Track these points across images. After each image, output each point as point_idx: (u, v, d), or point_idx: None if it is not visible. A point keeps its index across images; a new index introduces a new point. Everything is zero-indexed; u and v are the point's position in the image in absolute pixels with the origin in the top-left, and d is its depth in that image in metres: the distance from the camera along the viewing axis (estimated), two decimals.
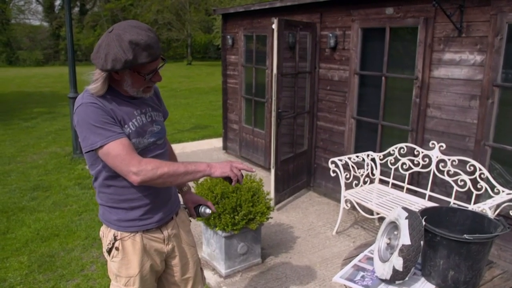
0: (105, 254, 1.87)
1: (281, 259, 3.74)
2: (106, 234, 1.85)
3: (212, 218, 3.25)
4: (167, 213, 1.92)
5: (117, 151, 1.62)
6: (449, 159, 3.74)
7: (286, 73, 4.90)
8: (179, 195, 2.12)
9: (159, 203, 1.86)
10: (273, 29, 4.56)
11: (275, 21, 4.49)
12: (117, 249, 1.82)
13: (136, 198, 1.79)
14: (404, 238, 1.71)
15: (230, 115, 7.28)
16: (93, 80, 1.67)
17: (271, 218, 3.77)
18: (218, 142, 7.98)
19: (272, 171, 4.82)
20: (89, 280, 3.36)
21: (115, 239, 1.82)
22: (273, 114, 4.70)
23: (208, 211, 2.11)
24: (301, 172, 5.41)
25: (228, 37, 6.89)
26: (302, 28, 5.03)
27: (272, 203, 4.47)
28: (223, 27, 7.11)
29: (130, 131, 1.72)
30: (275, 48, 4.54)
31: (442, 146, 3.82)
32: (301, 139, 5.46)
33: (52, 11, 39.29)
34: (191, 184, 2.33)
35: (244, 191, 3.37)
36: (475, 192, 3.54)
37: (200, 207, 2.11)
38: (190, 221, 2.15)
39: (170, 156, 2.12)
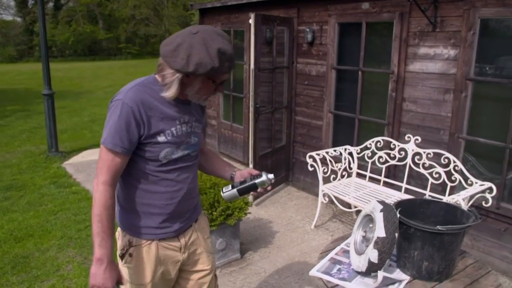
0: (118, 258, 1.79)
1: (260, 254, 3.75)
2: (121, 237, 1.79)
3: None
4: (187, 221, 1.85)
5: (104, 157, 1.60)
6: (424, 152, 3.80)
7: (263, 68, 4.89)
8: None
9: (181, 213, 1.80)
10: (250, 24, 4.54)
11: (252, 16, 4.47)
12: (130, 255, 1.75)
13: (158, 205, 1.73)
14: (379, 231, 1.73)
15: (208, 110, 7.23)
16: (166, 83, 1.61)
17: (250, 213, 3.76)
18: None
19: (251, 166, 4.82)
20: (65, 280, 3.29)
21: (130, 245, 1.75)
22: (251, 109, 4.69)
23: (270, 176, 1.83)
24: (280, 167, 5.42)
25: None
26: (280, 23, 5.02)
27: (250, 198, 4.46)
28: (200, 22, 7.06)
29: (166, 140, 1.66)
30: (252, 43, 4.52)
31: (417, 139, 3.88)
32: (279, 134, 5.47)
33: (25, 5, 38.37)
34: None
35: (222, 187, 3.35)
36: (449, 184, 3.61)
37: (262, 174, 1.82)
38: (210, 232, 2.07)
39: (212, 158, 2.04)
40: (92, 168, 6.10)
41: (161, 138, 1.65)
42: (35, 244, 3.86)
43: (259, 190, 1.84)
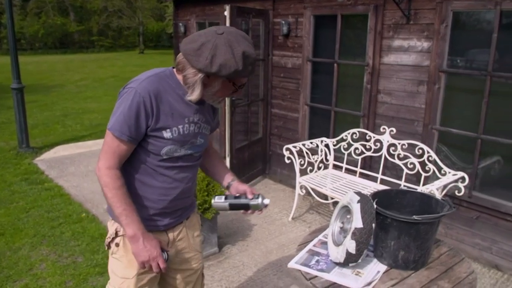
0: (106, 248, 1.78)
1: (238, 247, 3.74)
2: (110, 226, 1.77)
3: None
4: (177, 218, 1.82)
5: (109, 143, 1.59)
6: (399, 143, 3.85)
7: None
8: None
9: (171, 210, 1.77)
10: (225, 16, 4.49)
11: (227, 8, 4.43)
12: (117, 245, 1.73)
13: (151, 198, 1.70)
14: (357, 222, 1.74)
15: None
16: (188, 84, 1.60)
17: None
18: None
19: (227, 159, 4.80)
20: (39, 280, 3.21)
21: (117, 234, 1.73)
22: (227, 102, 4.65)
23: (266, 201, 1.80)
24: (257, 160, 5.41)
25: (180, 24, 6.74)
26: (255, 15, 4.99)
27: (227, 191, 4.45)
28: (175, 14, 6.96)
29: (171, 136, 1.63)
30: None
31: (392, 130, 3.93)
32: (255, 127, 5.46)
33: None
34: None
35: (199, 181, 3.33)
36: (423, 174, 3.68)
37: (259, 196, 1.80)
38: (201, 225, 2.01)
39: (214, 159, 2.00)
40: (65, 164, 5.97)
41: (166, 134, 1.62)
42: (6, 243, 3.75)
43: (249, 211, 1.82)
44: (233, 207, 1.82)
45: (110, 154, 1.59)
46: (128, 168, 1.67)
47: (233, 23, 4.48)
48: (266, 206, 1.82)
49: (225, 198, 1.83)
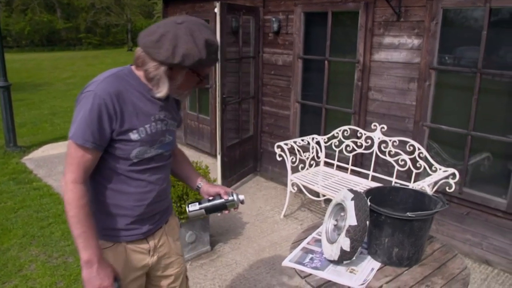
0: None
1: (230, 245, 3.73)
2: None
3: None
4: (156, 224, 1.74)
5: (73, 153, 1.47)
6: (390, 140, 3.87)
7: (230, 58, 4.84)
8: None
9: (149, 215, 1.69)
10: (215, 13, 4.47)
11: (218, 5, 4.40)
12: None
13: (126, 206, 1.61)
14: (351, 219, 1.74)
15: None
16: (152, 78, 1.51)
17: None
18: None
19: (219, 157, 4.78)
20: (28, 281, 3.17)
21: None
22: (218, 100, 4.63)
23: (241, 197, 1.78)
24: (248, 158, 5.40)
25: None
26: (245, 12, 4.97)
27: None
28: (164, 12, 6.90)
29: (139, 137, 1.54)
30: (218, 32, 4.45)
31: (383, 127, 3.94)
32: (246, 125, 5.44)
33: None
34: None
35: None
36: (414, 171, 3.70)
37: (233, 194, 1.78)
38: (180, 227, 1.96)
39: (182, 162, 1.94)
40: (53, 163, 5.89)
41: (133, 136, 1.54)
42: None
43: (226, 211, 1.79)
44: (209, 211, 1.78)
45: (75, 166, 1.47)
46: (97, 178, 1.58)
47: (223, 20, 4.45)
48: (242, 201, 1.79)
49: (199, 204, 1.78)
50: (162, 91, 1.53)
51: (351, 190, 1.85)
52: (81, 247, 1.48)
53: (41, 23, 35.55)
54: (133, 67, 1.58)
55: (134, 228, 1.66)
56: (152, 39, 1.47)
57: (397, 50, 3.82)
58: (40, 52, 32.06)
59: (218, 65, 4.53)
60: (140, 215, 1.65)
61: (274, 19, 4.90)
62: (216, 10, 4.42)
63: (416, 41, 3.68)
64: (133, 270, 1.71)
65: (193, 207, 1.77)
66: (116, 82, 1.51)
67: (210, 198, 1.80)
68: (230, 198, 1.77)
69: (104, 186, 1.59)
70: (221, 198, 1.77)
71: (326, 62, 4.45)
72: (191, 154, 6.40)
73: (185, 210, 1.88)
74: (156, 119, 1.61)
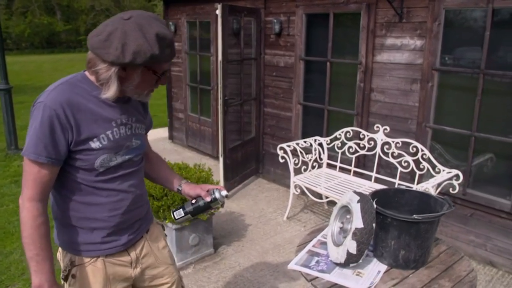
0: (62, 281, 1.59)
1: (233, 248, 3.72)
2: (62, 257, 1.60)
3: (161, 211, 3.15)
4: (136, 233, 1.66)
5: (28, 170, 1.40)
6: (393, 141, 3.86)
7: (231, 60, 4.83)
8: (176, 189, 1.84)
9: (128, 224, 1.61)
10: (217, 15, 4.46)
11: (219, 6, 4.40)
12: (73, 276, 1.55)
13: (100, 218, 1.53)
14: (357, 222, 1.73)
15: (175, 104, 7.11)
16: (102, 80, 1.41)
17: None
18: (164, 132, 7.79)
19: (221, 159, 4.77)
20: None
21: (72, 265, 1.55)
22: (220, 101, 4.62)
23: (223, 193, 1.74)
24: (250, 160, 5.39)
25: (170, 23, 6.69)
26: (247, 13, 4.97)
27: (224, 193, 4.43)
28: (165, 14, 6.89)
29: (101, 145, 1.46)
30: (219, 34, 4.45)
31: (386, 129, 3.93)
32: (248, 126, 5.43)
33: None
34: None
35: (193, 181, 3.30)
36: (418, 172, 3.68)
37: (214, 192, 1.75)
38: (166, 235, 1.89)
39: (159, 166, 1.88)
40: None
41: (94, 144, 1.45)
42: None
43: (213, 210, 1.77)
44: (195, 214, 1.77)
45: (30, 182, 1.39)
46: (65, 192, 1.51)
47: (224, 21, 4.45)
48: (226, 196, 1.76)
49: (183, 209, 1.76)
50: (109, 92, 1.43)
51: (356, 192, 1.84)
52: (33, 271, 1.42)
53: (41, 26, 35.60)
54: (86, 72, 1.49)
55: (112, 240, 1.58)
56: (100, 39, 1.37)
57: (400, 51, 3.81)
58: (40, 55, 32.08)
59: (219, 67, 4.53)
60: (116, 225, 1.57)
61: (275, 20, 4.89)
62: (218, 11, 4.41)
63: (418, 42, 3.67)
64: (116, 284, 1.63)
65: (179, 215, 1.76)
66: (68, 90, 1.42)
67: (193, 201, 1.77)
68: (213, 197, 1.74)
69: (74, 200, 1.51)
70: (203, 199, 1.75)
71: (328, 63, 4.45)
72: (193, 156, 6.39)
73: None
74: (118, 124, 1.52)
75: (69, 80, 1.46)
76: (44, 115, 1.37)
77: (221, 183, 4.75)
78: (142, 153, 1.66)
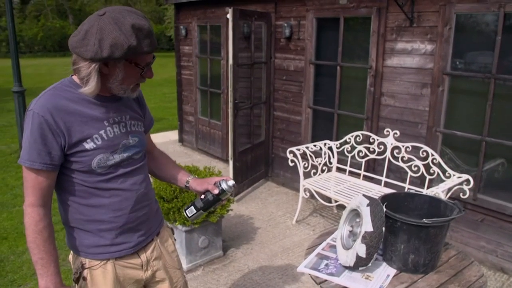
0: (73, 284, 1.62)
1: (242, 250, 3.73)
2: (73, 260, 1.62)
3: (171, 213, 3.17)
4: (147, 235, 1.67)
5: (26, 177, 1.44)
6: (403, 146, 3.85)
7: (242, 64, 4.86)
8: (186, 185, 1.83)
9: (136, 225, 1.62)
10: (227, 19, 4.50)
11: (230, 10, 4.43)
12: (84, 279, 1.57)
13: (106, 219, 1.54)
14: (367, 225, 1.73)
15: (185, 107, 7.15)
16: (83, 77, 1.40)
17: (231, 210, 3.74)
18: (174, 135, 7.84)
19: (230, 162, 4.79)
20: None
21: (83, 268, 1.57)
22: (230, 105, 4.65)
23: (230, 183, 1.74)
24: (259, 163, 5.41)
25: (182, 27, 6.75)
26: (257, 18, 5.00)
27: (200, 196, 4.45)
28: (176, 17, 6.96)
29: (95, 146, 1.47)
30: (230, 38, 4.48)
31: (396, 133, 3.92)
32: (258, 130, 5.45)
33: None
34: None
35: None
36: (428, 177, 3.67)
37: (221, 183, 1.74)
38: (175, 239, 1.90)
39: (165, 164, 1.88)
40: None
41: (88, 145, 1.46)
42: (9, 247, 3.74)
43: (223, 201, 1.78)
44: (207, 209, 1.79)
45: (30, 189, 1.43)
46: (68, 196, 1.53)
47: (235, 25, 4.48)
48: (233, 186, 1.76)
49: (195, 206, 1.78)
50: (87, 87, 1.42)
51: (366, 196, 1.85)
52: (39, 274, 1.45)
53: (54, 29, 36.02)
54: (74, 76, 1.50)
55: (121, 243, 1.59)
56: (78, 38, 1.38)
57: (410, 56, 3.81)
58: (52, 58, 32.44)
59: (230, 71, 4.56)
60: (123, 225, 1.58)
61: (286, 24, 4.92)
62: (229, 16, 4.44)
63: (429, 47, 3.66)
64: (126, 286, 1.65)
65: (191, 213, 1.78)
66: (55, 95, 1.45)
67: (202, 196, 1.79)
68: (220, 188, 1.75)
69: (78, 203, 1.53)
70: (211, 193, 1.76)
71: (338, 67, 4.45)
72: (202, 159, 6.42)
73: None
74: (111, 122, 1.52)
75: (56, 86, 1.48)
76: (34, 123, 1.40)
77: None
78: (142, 150, 1.65)
